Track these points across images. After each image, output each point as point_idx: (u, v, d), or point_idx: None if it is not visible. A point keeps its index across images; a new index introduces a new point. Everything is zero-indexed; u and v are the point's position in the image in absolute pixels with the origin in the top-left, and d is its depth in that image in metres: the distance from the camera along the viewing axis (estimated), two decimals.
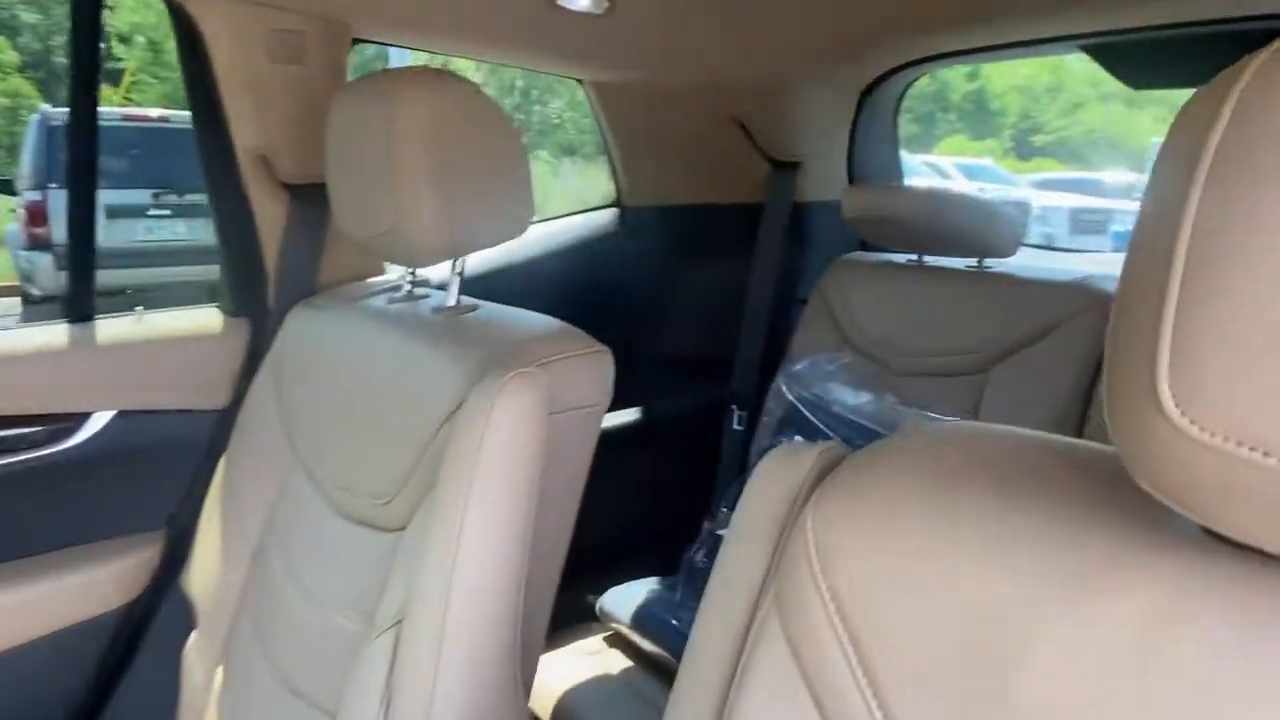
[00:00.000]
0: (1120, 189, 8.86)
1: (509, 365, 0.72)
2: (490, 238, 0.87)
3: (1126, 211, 8.29)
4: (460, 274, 0.90)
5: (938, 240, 1.27)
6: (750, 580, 0.50)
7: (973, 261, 1.31)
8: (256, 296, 1.15)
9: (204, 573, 1.03)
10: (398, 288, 1.01)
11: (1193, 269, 0.30)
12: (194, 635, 1.03)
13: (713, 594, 0.52)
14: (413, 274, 1.01)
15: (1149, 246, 0.32)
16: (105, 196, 5.87)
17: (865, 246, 1.57)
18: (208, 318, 1.17)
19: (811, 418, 1.38)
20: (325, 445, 0.91)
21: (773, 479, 0.51)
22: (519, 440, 0.69)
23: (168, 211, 5.81)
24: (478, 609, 0.69)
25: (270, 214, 1.11)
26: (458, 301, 0.91)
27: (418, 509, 0.78)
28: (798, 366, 1.42)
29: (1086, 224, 8.10)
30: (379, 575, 0.79)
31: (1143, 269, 0.33)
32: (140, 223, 5.89)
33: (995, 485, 0.41)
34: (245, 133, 1.08)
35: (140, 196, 5.83)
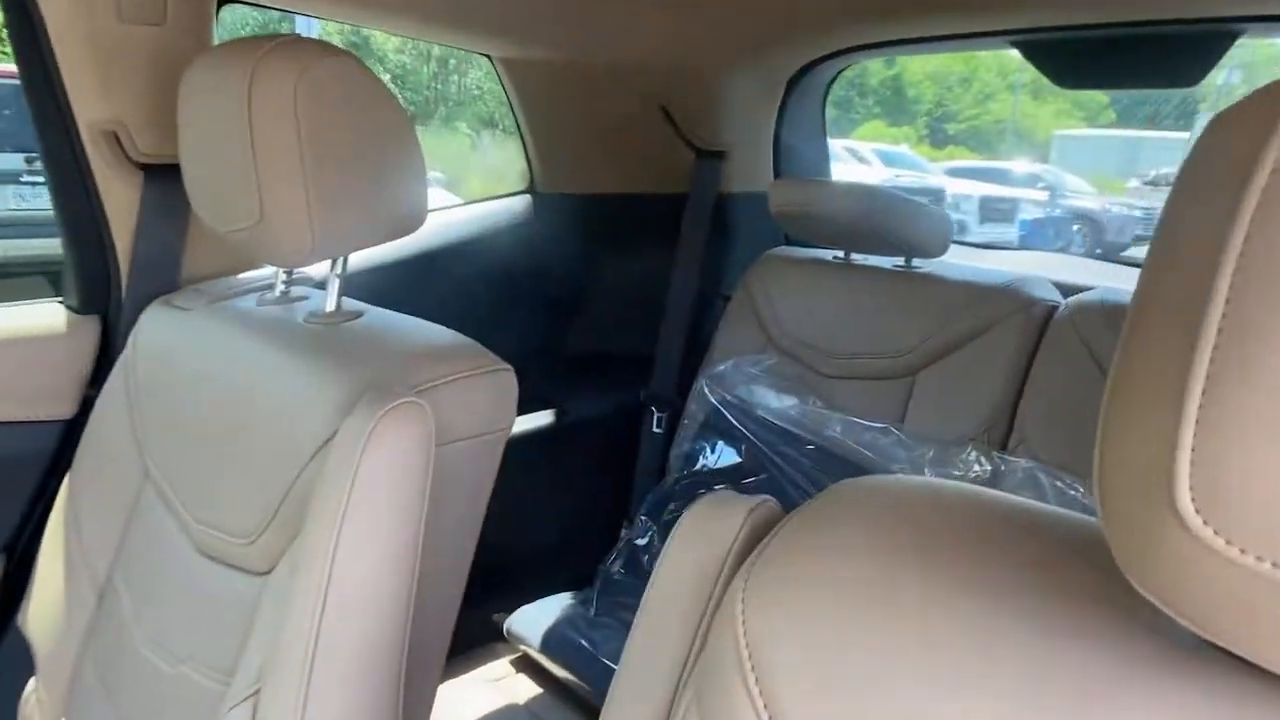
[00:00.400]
0: (1025, 178, 9.22)
1: (392, 390, 0.62)
2: (374, 235, 0.76)
3: (1032, 201, 8.65)
4: (341, 275, 0.79)
5: (865, 238, 1.22)
6: (669, 662, 0.43)
7: (901, 260, 1.26)
8: (107, 291, 1.00)
9: (44, 608, 0.90)
10: (271, 286, 0.89)
11: (1229, 336, 0.23)
12: (33, 681, 0.90)
13: (627, 673, 0.45)
14: (288, 271, 0.89)
15: (1168, 299, 0.26)
16: None
17: (791, 241, 1.52)
18: (50, 314, 1.01)
19: (734, 422, 1.32)
20: (183, 469, 0.79)
21: (696, 540, 0.44)
22: (397, 481, 0.60)
23: (43, 179, 5.33)
24: (348, 673, 0.60)
25: (121, 197, 0.97)
26: (338, 306, 0.79)
27: (285, 553, 0.67)
28: (720, 368, 1.35)
29: (996, 212, 8.41)
30: (241, 624, 0.68)
31: (1158, 327, 0.26)
32: (9, 189, 5.41)
33: (964, 570, 0.34)
34: (89, 105, 0.92)
35: (12, 162, 5.35)
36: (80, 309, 1.01)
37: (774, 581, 0.38)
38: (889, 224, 1.18)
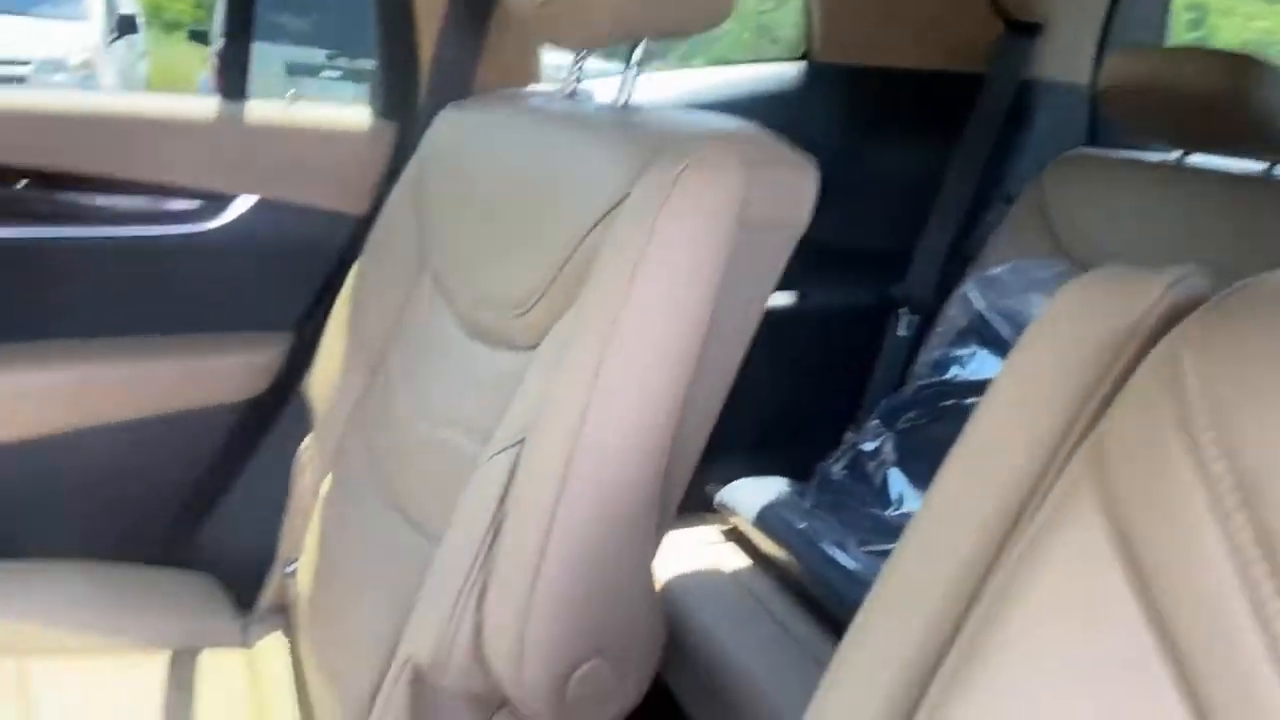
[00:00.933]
0: None
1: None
2: (676, 22, 0.72)
3: None
4: (636, 66, 0.76)
5: (1229, 127, 0.99)
6: (1034, 446, 0.33)
7: (1259, 165, 1.03)
8: (407, 98, 1.06)
9: (323, 380, 0.99)
10: (558, 95, 0.89)
11: None
12: (308, 440, 1.00)
13: (965, 461, 0.36)
14: (578, 79, 0.87)
15: None
16: (286, 53, 6.08)
17: (1095, 144, 1.31)
18: (357, 116, 1.09)
19: (1002, 332, 1.18)
20: (460, 256, 0.82)
21: (1090, 311, 0.34)
22: (696, 246, 0.56)
23: (339, 74, 5.96)
24: (615, 441, 0.58)
25: (431, 3, 1.00)
26: (629, 99, 0.77)
27: (557, 322, 0.67)
28: (996, 271, 1.21)
29: None
30: (503, 395, 0.69)
31: None
32: (315, 82, 6.09)
33: None
34: None
35: (316, 56, 6.00)
36: (382, 113, 1.08)
37: (1232, 342, 0.28)
38: (1268, 106, 0.95)
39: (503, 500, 0.62)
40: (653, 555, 0.63)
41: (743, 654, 0.94)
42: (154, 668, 0.89)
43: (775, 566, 1.07)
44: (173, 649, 0.91)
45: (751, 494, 1.17)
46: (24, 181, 0.96)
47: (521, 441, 0.61)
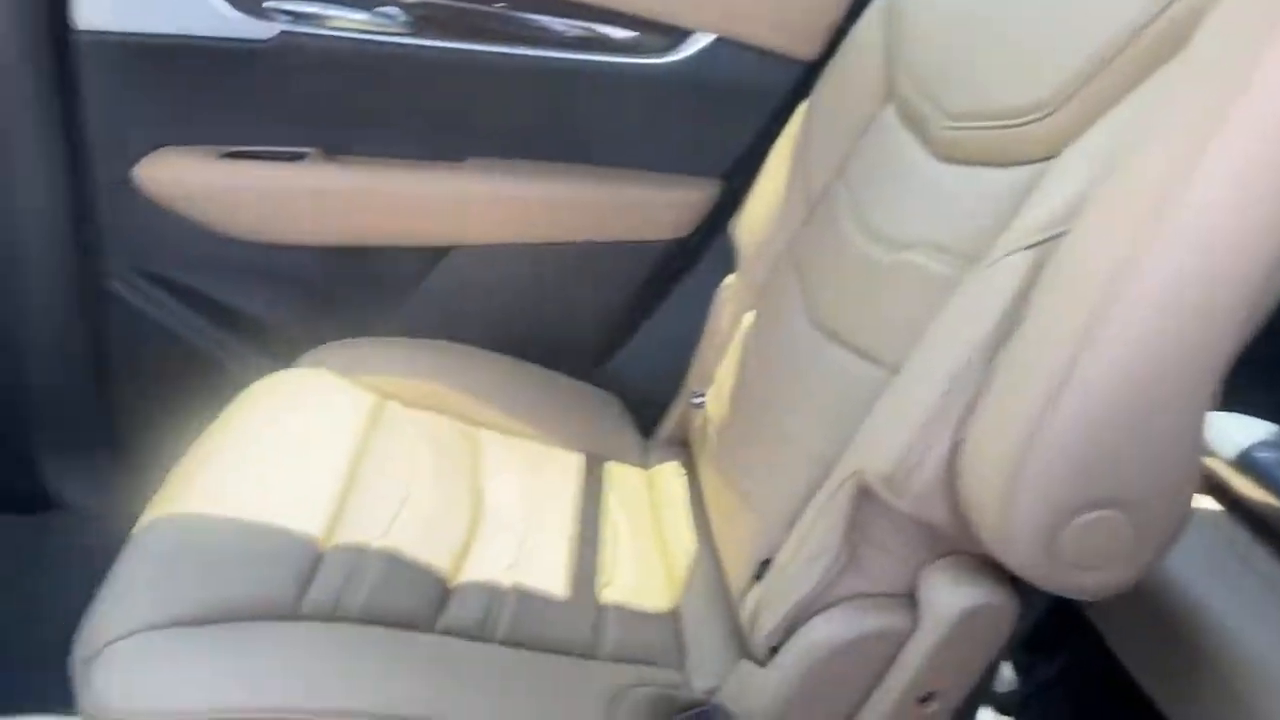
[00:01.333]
0: None
1: None
2: None
3: None
4: None
5: None
6: None
7: None
8: None
9: (754, 220, 0.97)
10: None
11: None
12: (730, 277, 1.00)
13: None
14: None
15: None
16: None
17: None
18: None
19: None
20: (944, 75, 0.73)
21: None
22: None
23: None
24: (1193, 260, 0.46)
25: None
26: None
27: (1088, 127, 0.55)
28: None
29: None
30: (990, 215, 0.60)
31: None
32: None
33: None
34: None
35: None
36: None
37: None
38: None
39: (1008, 310, 0.53)
40: (1208, 405, 0.50)
41: (1212, 604, 0.77)
42: (571, 464, 0.96)
43: (1252, 512, 0.86)
44: (586, 453, 0.98)
45: (1223, 431, 0.94)
46: (500, 3, 1.03)
47: (1045, 243, 0.52)
